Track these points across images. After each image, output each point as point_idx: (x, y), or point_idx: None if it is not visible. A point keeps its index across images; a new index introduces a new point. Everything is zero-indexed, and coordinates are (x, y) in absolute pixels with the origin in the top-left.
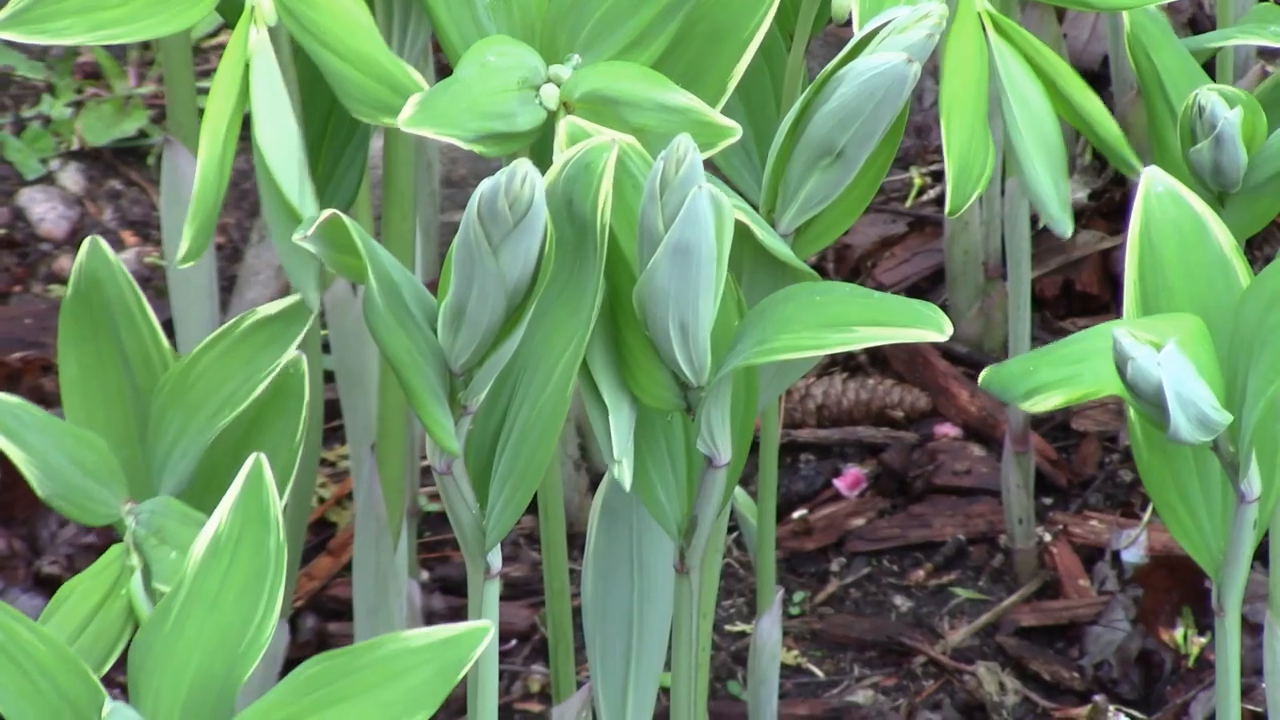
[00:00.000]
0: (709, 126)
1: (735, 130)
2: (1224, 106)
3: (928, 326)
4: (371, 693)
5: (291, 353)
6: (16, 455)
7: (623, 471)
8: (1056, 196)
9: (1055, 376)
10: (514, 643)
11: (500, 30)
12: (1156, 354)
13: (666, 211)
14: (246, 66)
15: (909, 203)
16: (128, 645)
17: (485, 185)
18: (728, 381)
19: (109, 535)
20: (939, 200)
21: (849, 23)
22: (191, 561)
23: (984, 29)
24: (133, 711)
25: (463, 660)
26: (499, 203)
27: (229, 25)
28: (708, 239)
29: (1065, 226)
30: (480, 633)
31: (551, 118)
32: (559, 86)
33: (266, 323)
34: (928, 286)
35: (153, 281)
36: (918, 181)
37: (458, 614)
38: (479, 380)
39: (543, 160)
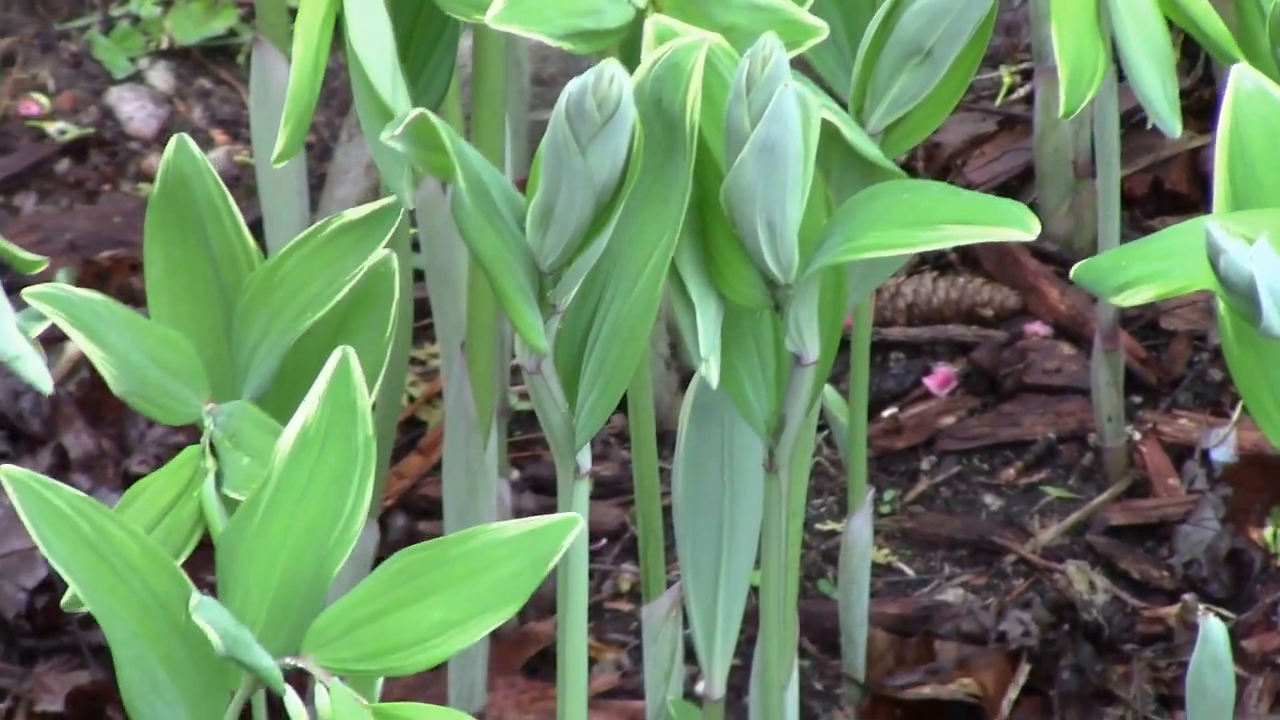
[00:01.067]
0: (797, 25)
1: (822, 29)
2: None
3: (1016, 226)
4: (461, 585)
5: (379, 254)
6: (94, 352)
7: (710, 369)
8: (1165, 96)
9: (1147, 271)
10: (604, 541)
11: None
12: (1248, 248)
13: (753, 110)
14: None
15: (999, 101)
16: (208, 543)
17: (573, 85)
18: (815, 279)
19: (197, 436)
20: (1028, 99)
21: None
22: (279, 455)
23: None
24: (219, 605)
25: (553, 551)
26: (587, 102)
27: None
28: (794, 137)
29: (1173, 127)
30: (570, 523)
31: (639, 15)
32: None
33: (354, 225)
34: (1017, 185)
35: (242, 180)
36: (1007, 80)
37: (547, 513)
38: (568, 279)
39: (631, 59)
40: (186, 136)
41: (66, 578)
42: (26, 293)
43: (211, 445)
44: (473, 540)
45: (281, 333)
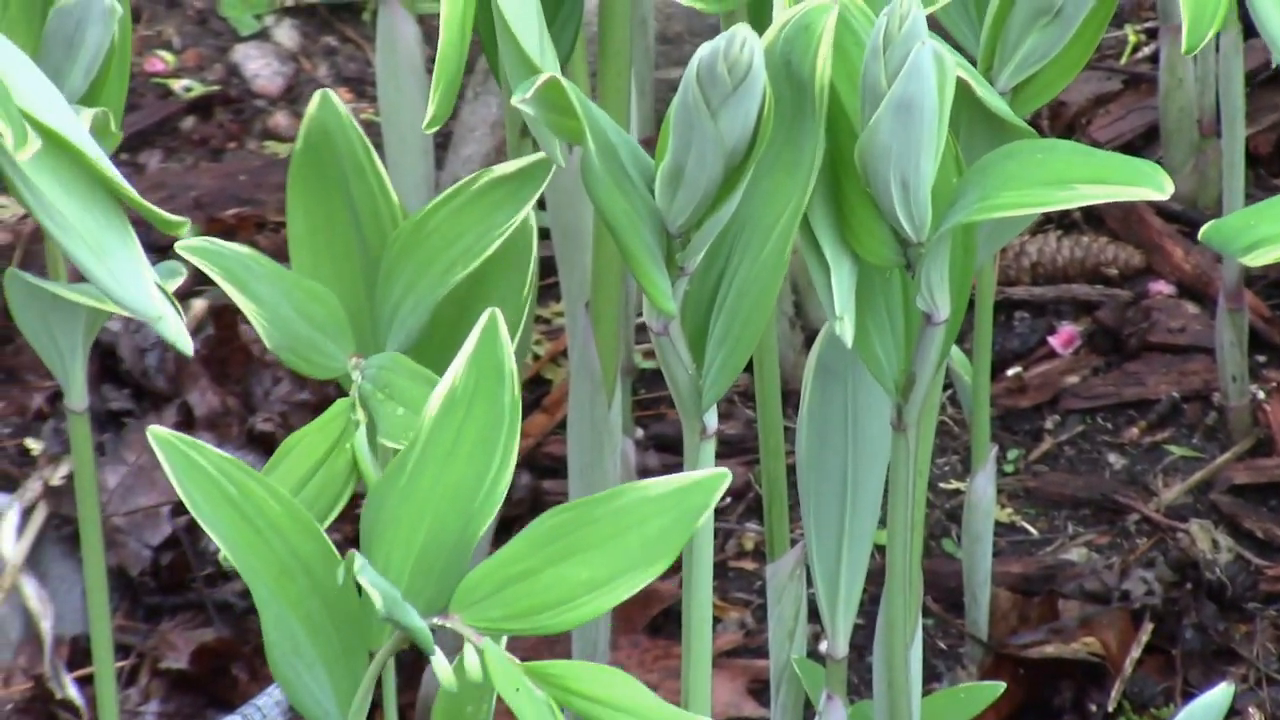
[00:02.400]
0: None
1: None
2: None
3: (1149, 185)
4: (610, 543)
5: (526, 211)
6: (247, 306)
7: (845, 327)
8: None
9: (1276, 230)
10: (728, 500)
11: None
12: None
13: (889, 68)
14: None
15: (1124, 60)
16: (352, 501)
17: (704, 50)
18: (947, 238)
19: (323, 393)
20: (1154, 58)
21: None
22: (426, 416)
23: None
24: (371, 569)
25: (701, 507)
26: (718, 67)
27: None
28: (930, 95)
29: None
30: (718, 479)
31: None
32: None
33: (501, 181)
34: (1142, 144)
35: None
36: (1132, 39)
37: (673, 471)
38: (696, 241)
39: (759, 17)
40: (330, 92)
41: (213, 536)
42: (180, 246)
43: (361, 398)
44: (619, 499)
45: (429, 287)
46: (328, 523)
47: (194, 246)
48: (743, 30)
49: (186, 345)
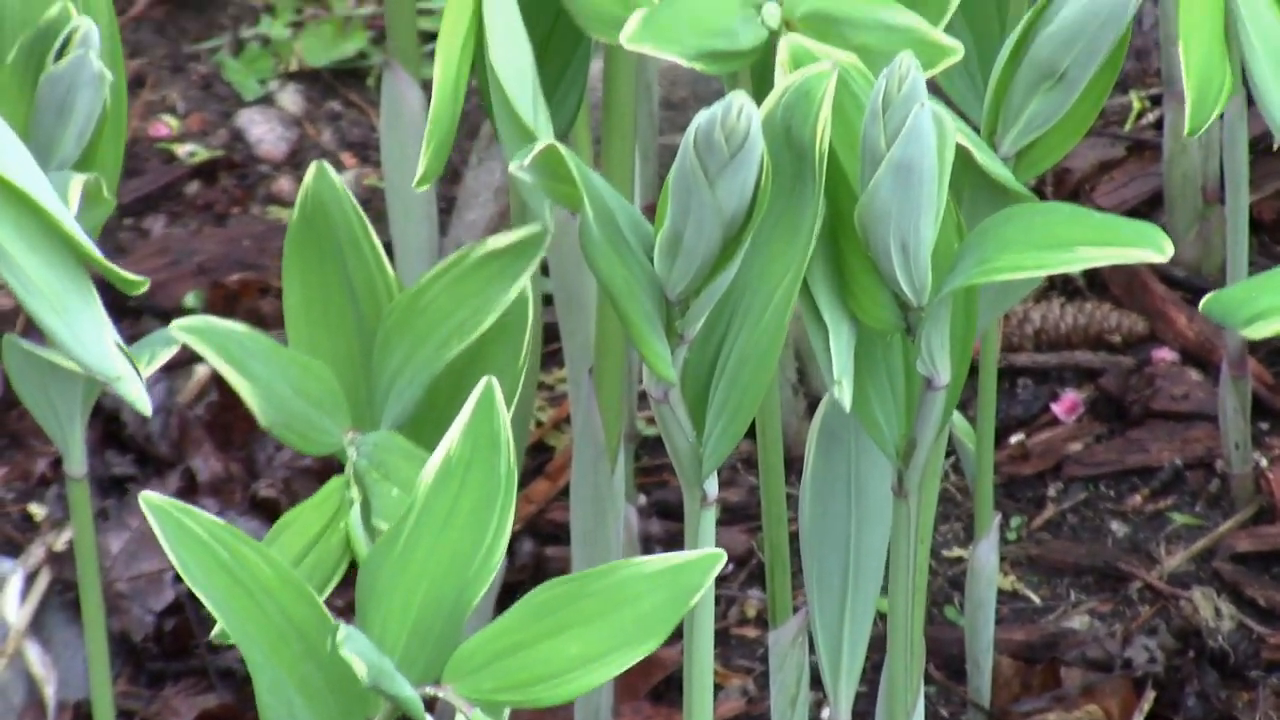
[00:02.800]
0: (931, 45)
1: (958, 49)
2: None
3: (1149, 246)
4: (604, 618)
5: (522, 284)
6: (241, 384)
7: (843, 392)
8: None
9: (1278, 301)
10: (730, 567)
11: None
12: None
13: (888, 130)
14: None
15: (1128, 126)
16: (354, 567)
17: (701, 117)
18: (948, 302)
19: (326, 460)
20: (1158, 124)
21: None
22: (422, 485)
23: None
24: (362, 635)
25: (695, 586)
26: (715, 135)
27: None
28: (929, 157)
29: None
30: (713, 559)
31: (772, 36)
32: (780, 4)
33: (498, 254)
34: (1146, 211)
35: (371, 204)
36: (1137, 105)
37: (675, 538)
38: (696, 309)
39: (763, 80)
40: (326, 164)
41: (205, 602)
42: (176, 325)
43: (357, 475)
44: (615, 574)
45: (425, 361)
46: (322, 598)
47: (189, 326)
48: (740, 98)
49: (145, 406)
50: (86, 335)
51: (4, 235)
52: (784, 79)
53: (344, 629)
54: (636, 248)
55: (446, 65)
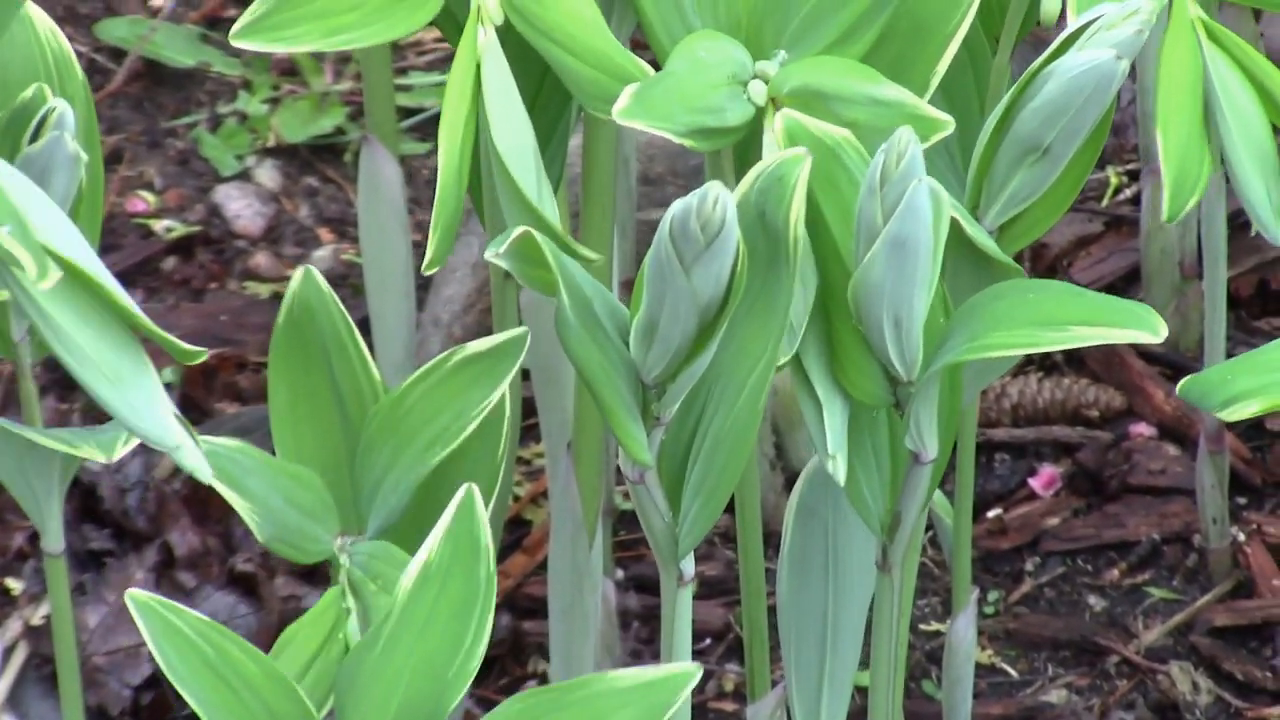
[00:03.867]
0: (921, 119)
1: (948, 123)
2: None
3: (1142, 327)
4: None
5: (503, 389)
6: (238, 503)
7: (837, 466)
8: (1268, 201)
9: (1254, 384)
10: (708, 641)
11: (706, 25)
12: None
13: (886, 205)
14: (477, 67)
15: (1105, 202)
16: None
17: (676, 207)
18: (936, 378)
19: None
20: (1135, 199)
21: (1056, 25)
22: (401, 589)
23: (1197, 36)
24: None
25: (669, 703)
26: (691, 224)
27: (436, 25)
28: (926, 233)
29: (1276, 232)
30: (687, 676)
31: (758, 113)
32: (766, 82)
33: (477, 359)
34: (1123, 286)
35: (349, 279)
36: (1114, 181)
37: (652, 613)
38: (672, 392)
39: (744, 157)
40: (313, 268)
41: (189, 699)
42: (172, 454)
43: (351, 584)
44: (589, 687)
45: (409, 465)
46: (325, 710)
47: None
48: (715, 188)
49: (206, 474)
50: (142, 406)
51: (57, 309)
52: (758, 164)
53: None
54: (612, 333)
55: (450, 148)
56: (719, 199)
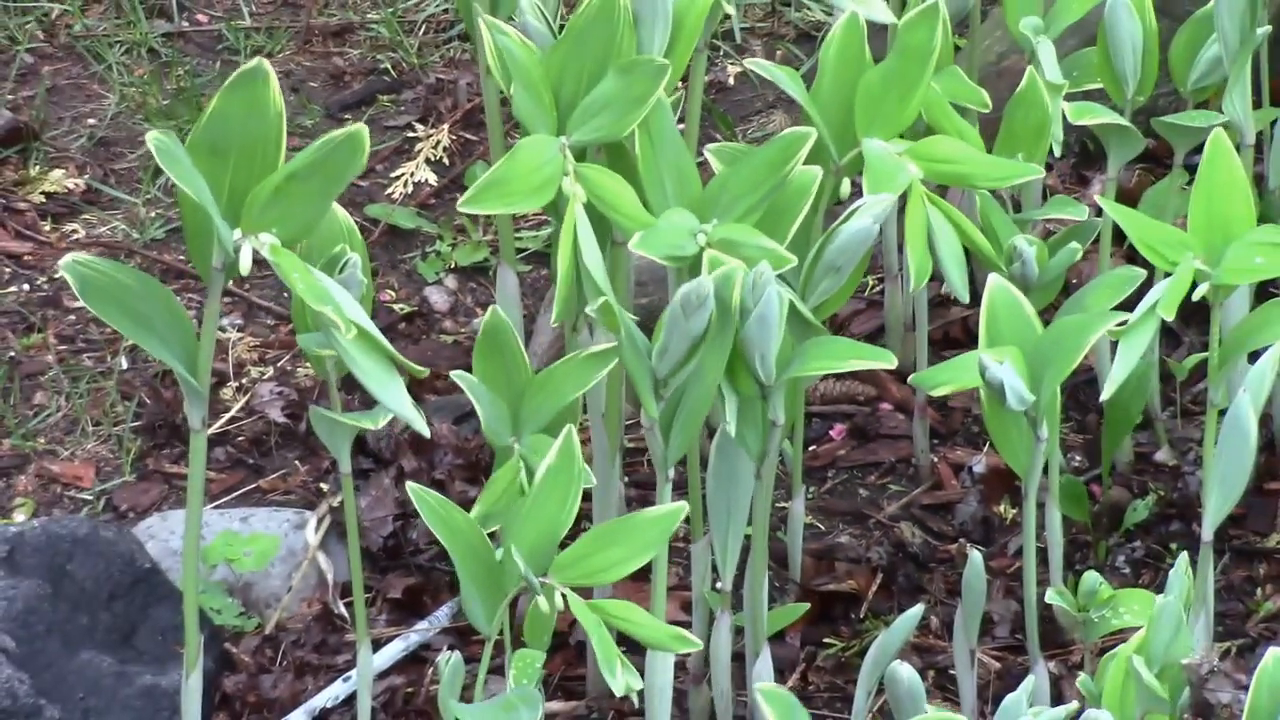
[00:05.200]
0: (779, 257)
1: (792, 260)
2: (1026, 245)
3: (883, 359)
4: (628, 540)
5: (603, 374)
6: (481, 413)
7: (732, 426)
8: (959, 279)
9: (945, 378)
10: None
11: (677, 204)
12: (999, 364)
13: (754, 298)
14: (574, 224)
15: (867, 293)
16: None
17: (684, 288)
18: (784, 383)
19: (475, 458)
20: (881, 291)
21: (849, 198)
22: (539, 473)
23: (924, 200)
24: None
25: (669, 526)
26: (691, 296)
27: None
28: (774, 311)
29: (963, 295)
30: (679, 511)
31: (701, 250)
32: (706, 235)
33: (593, 356)
34: (877, 335)
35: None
36: (871, 282)
37: (646, 500)
38: (672, 383)
39: (692, 271)
40: (496, 307)
41: (437, 534)
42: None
43: (523, 458)
44: (633, 520)
45: (551, 404)
46: (495, 527)
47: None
48: (705, 281)
49: (425, 430)
50: (395, 397)
51: (353, 348)
52: (717, 270)
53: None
54: (643, 351)
55: (565, 255)
56: (704, 284)
